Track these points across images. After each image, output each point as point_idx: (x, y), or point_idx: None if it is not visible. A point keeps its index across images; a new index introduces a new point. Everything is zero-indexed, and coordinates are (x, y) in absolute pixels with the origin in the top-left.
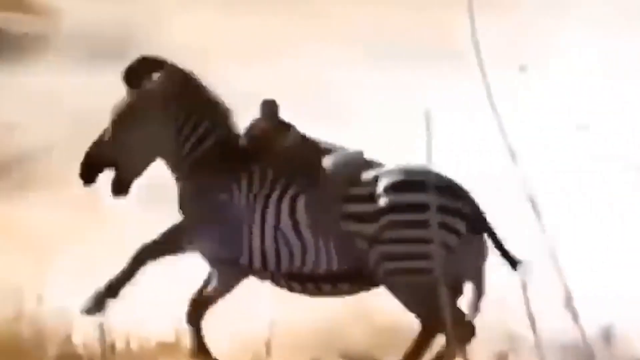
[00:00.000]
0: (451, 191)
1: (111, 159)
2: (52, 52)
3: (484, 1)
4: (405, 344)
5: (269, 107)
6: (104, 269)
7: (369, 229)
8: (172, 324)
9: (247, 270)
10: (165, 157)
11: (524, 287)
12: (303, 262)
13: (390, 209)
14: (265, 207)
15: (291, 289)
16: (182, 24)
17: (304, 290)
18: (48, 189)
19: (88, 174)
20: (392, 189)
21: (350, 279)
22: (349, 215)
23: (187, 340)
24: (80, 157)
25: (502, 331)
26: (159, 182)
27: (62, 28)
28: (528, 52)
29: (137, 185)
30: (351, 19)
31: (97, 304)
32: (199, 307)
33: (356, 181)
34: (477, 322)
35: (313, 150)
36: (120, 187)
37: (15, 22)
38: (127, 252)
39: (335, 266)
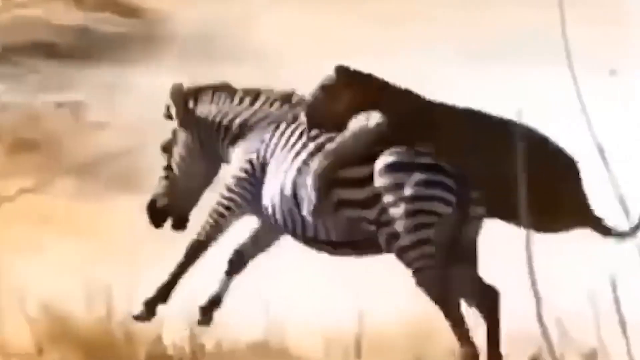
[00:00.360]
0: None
1: (167, 209)
2: (145, 52)
3: (576, 1)
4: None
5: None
6: (192, 270)
7: (370, 214)
8: (261, 324)
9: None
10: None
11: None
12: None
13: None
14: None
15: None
16: (273, 23)
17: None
18: (137, 189)
19: (156, 223)
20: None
21: (353, 247)
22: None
23: (276, 340)
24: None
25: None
26: None
27: (157, 29)
28: (618, 56)
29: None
30: (443, 19)
31: (148, 310)
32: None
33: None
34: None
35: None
36: (180, 225)
37: (109, 22)
38: (217, 251)
39: (334, 238)
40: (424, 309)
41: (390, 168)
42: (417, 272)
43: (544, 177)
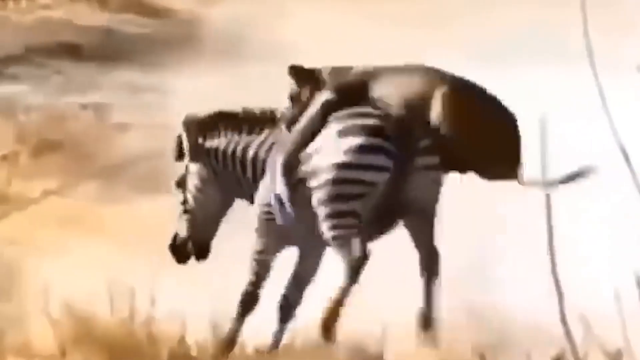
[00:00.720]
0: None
1: (188, 242)
2: (169, 53)
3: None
4: (514, 341)
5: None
6: (216, 270)
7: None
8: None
9: None
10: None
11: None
12: None
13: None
14: None
15: None
16: (301, 22)
17: None
18: (161, 190)
19: (180, 259)
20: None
21: None
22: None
23: (301, 342)
24: None
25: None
26: None
27: (181, 30)
28: None
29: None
30: (465, 22)
31: (239, 318)
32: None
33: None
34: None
35: None
36: (202, 255)
37: (133, 23)
38: (239, 252)
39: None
40: (445, 309)
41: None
42: (333, 240)
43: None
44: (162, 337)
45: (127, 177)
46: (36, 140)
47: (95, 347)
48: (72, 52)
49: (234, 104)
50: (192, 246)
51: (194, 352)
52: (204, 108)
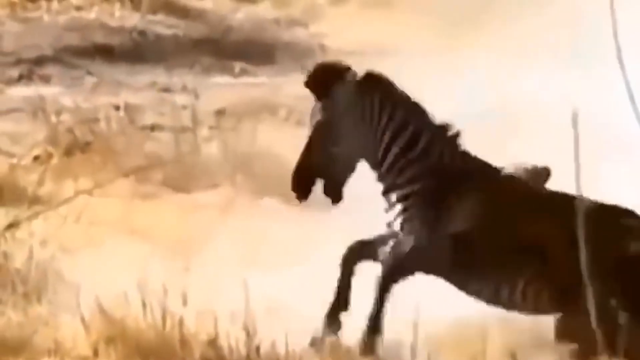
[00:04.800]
0: None
1: (320, 170)
2: (200, 54)
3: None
4: (547, 341)
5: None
6: (247, 270)
7: None
8: (318, 326)
9: None
10: (367, 158)
11: None
12: None
13: None
14: None
15: None
16: (334, 22)
17: None
18: (192, 190)
19: (301, 189)
20: None
21: None
22: None
23: (332, 342)
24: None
25: None
26: None
27: (212, 31)
28: None
29: (278, 184)
30: (496, 20)
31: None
32: None
33: None
34: None
35: None
36: (335, 195)
37: (166, 24)
38: (268, 251)
39: None
40: (476, 309)
41: None
42: None
43: None
44: (194, 338)
45: (158, 176)
46: (68, 141)
47: (127, 347)
48: (104, 53)
49: (265, 105)
50: (324, 187)
51: (226, 353)
52: (235, 109)
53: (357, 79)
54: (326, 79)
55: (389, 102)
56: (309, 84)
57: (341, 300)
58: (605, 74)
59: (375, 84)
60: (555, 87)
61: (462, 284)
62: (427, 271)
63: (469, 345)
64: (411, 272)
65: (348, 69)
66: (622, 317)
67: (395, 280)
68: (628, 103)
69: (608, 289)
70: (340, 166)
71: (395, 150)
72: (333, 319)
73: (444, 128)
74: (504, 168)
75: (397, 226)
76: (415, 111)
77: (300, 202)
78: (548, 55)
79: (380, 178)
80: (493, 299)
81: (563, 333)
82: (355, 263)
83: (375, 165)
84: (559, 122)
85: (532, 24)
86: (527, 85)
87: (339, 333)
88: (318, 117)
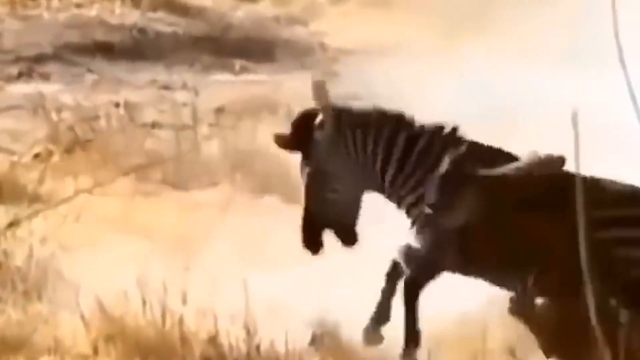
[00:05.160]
0: None
1: (324, 221)
2: (201, 52)
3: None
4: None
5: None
6: (247, 269)
7: None
8: (317, 325)
9: None
10: (368, 187)
11: None
12: None
13: None
14: None
15: None
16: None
17: None
18: (192, 188)
19: (312, 244)
20: None
21: None
22: None
23: (332, 340)
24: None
25: None
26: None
27: (212, 29)
28: None
29: (278, 182)
30: (501, 19)
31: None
32: None
33: None
34: None
35: None
36: (349, 239)
37: (166, 21)
38: (268, 249)
39: None
40: (477, 306)
41: None
42: None
43: None
44: (194, 336)
45: (158, 175)
46: (68, 138)
47: (126, 346)
48: (104, 50)
49: (265, 103)
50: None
51: (226, 351)
52: (234, 107)
53: (327, 118)
54: (300, 133)
55: (367, 127)
56: (286, 144)
57: (382, 313)
58: (606, 74)
59: (346, 116)
60: (556, 87)
61: (483, 278)
62: (449, 270)
63: (469, 342)
64: (434, 276)
65: (317, 113)
66: (623, 316)
67: (421, 287)
68: (628, 103)
69: (608, 288)
70: (344, 209)
71: (392, 167)
72: (374, 332)
73: (437, 128)
74: (518, 156)
75: (414, 233)
76: (399, 122)
77: (314, 255)
78: (548, 55)
79: (388, 196)
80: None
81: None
82: (398, 278)
83: (379, 188)
84: (559, 122)
85: (532, 24)
86: (527, 85)
87: (380, 346)
88: (307, 170)
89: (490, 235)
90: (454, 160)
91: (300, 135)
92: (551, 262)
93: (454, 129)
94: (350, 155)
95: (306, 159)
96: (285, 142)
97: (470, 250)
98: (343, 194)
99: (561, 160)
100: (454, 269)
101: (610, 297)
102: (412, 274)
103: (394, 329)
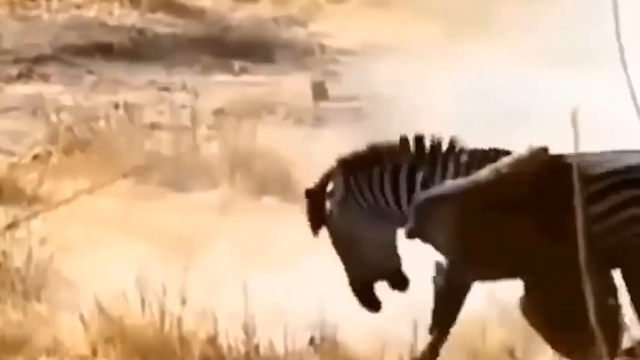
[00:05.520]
0: None
1: (371, 279)
2: (200, 53)
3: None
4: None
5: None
6: (246, 270)
7: None
8: (316, 326)
9: None
10: (396, 224)
11: None
12: None
13: None
14: None
15: None
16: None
17: None
18: (191, 189)
19: (370, 303)
20: None
21: None
22: None
23: (330, 341)
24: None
25: None
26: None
27: (211, 30)
28: None
29: (277, 183)
30: (502, 19)
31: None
32: None
33: None
34: None
35: None
36: (401, 283)
37: (165, 23)
38: (268, 251)
39: None
40: (476, 306)
41: None
42: None
43: None
44: (193, 337)
45: (157, 176)
46: (67, 139)
47: (126, 346)
48: (104, 51)
49: (265, 104)
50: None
51: (225, 352)
52: (234, 108)
53: (335, 179)
54: (315, 214)
55: (368, 168)
56: (313, 230)
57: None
58: (606, 74)
59: (346, 165)
60: (556, 87)
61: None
62: (478, 279)
63: (469, 342)
64: (464, 287)
65: (327, 179)
66: (622, 316)
67: (448, 299)
68: (629, 103)
69: (606, 287)
70: (384, 257)
71: (403, 198)
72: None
73: (436, 144)
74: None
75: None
76: (395, 153)
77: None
78: (548, 55)
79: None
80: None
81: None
82: (468, 289)
83: (403, 218)
84: (559, 122)
85: (532, 24)
86: (528, 85)
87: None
88: (333, 239)
89: (481, 242)
90: (423, 181)
91: (316, 216)
92: (539, 262)
93: (452, 141)
94: (364, 204)
95: (330, 230)
96: (312, 229)
97: (472, 259)
98: (376, 244)
99: (543, 151)
100: (476, 278)
101: (609, 296)
102: (440, 286)
103: (394, 328)
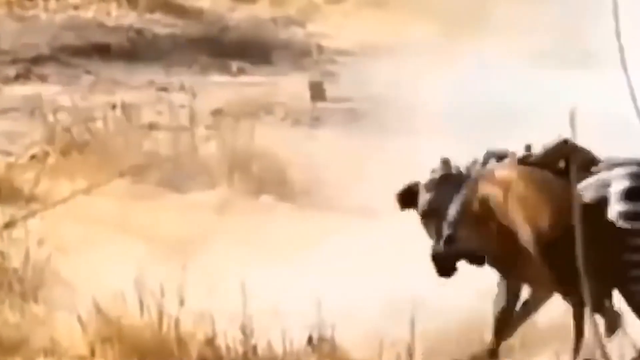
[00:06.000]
0: None
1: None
2: (198, 53)
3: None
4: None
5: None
6: (244, 270)
7: None
8: (314, 325)
9: None
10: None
11: None
12: None
13: None
14: None
15: None
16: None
17: None
18: (189, 190)
19: (446, 272)
20: None
21: None
22: None
23: (328, 341)
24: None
25: None
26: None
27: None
28: None
29: (275, 183)
30: (500, 18)
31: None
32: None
33: None
34: None
35: None
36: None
37: (163, 23)
38: (266, 251)
39: None
40: (473, 306)
41: None
42: None
43: None
44: (191, 338)
45: (155, 176)
46: (65, 140)
47: (123, 347)
48: (101, 51)
49: (263, 104)
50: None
51: (223, 353)
52: (232, 108)
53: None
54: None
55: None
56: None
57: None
58: (607, 74)
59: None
60: (556, 87)
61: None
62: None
63: (469, 341)
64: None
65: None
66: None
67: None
68: (629, 103)
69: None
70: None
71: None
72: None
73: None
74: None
75: None
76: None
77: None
78: (548, 55)
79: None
80: None
81: None
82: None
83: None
84: (558, 122)
85: (531, 23)
86: (527, 85)
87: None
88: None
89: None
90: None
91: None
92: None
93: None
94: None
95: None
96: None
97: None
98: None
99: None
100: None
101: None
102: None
103: (392, 328)
